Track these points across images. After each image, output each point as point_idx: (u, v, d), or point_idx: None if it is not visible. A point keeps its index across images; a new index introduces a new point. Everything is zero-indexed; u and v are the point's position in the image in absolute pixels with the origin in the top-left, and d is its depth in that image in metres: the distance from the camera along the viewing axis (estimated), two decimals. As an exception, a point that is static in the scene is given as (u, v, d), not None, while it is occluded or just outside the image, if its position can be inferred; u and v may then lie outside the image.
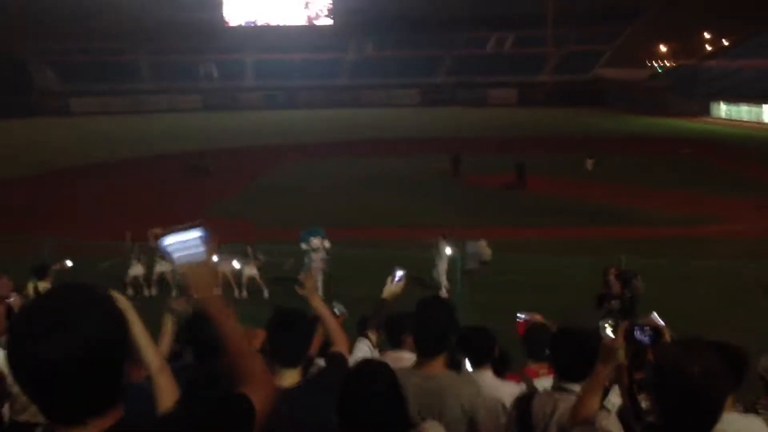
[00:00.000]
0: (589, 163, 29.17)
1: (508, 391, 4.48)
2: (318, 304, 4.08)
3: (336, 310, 4.86)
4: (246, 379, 1.99)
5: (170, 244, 1.96)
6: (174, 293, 13.72)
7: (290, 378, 3.50)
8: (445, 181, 28.10)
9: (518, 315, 5.42)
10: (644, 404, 2.50)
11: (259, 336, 4.25)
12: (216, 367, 3.27)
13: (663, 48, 75.83)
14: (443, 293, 14.39)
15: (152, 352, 3.37)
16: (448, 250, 14.14)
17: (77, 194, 26.68)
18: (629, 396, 2.89)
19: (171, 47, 72.21)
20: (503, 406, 4.37)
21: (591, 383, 3.04)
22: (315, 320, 4.07)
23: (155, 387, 3.20)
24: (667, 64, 73.37)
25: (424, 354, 3.73)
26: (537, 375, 4.73)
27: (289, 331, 3.56)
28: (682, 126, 49.51)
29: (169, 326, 3.83)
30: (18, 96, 62.64)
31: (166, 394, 3.05)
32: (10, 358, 1.57)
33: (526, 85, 69.23)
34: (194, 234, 1.97)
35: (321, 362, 4.43)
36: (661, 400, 2.43)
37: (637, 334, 2.92)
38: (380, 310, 4.58)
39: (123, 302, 3.51)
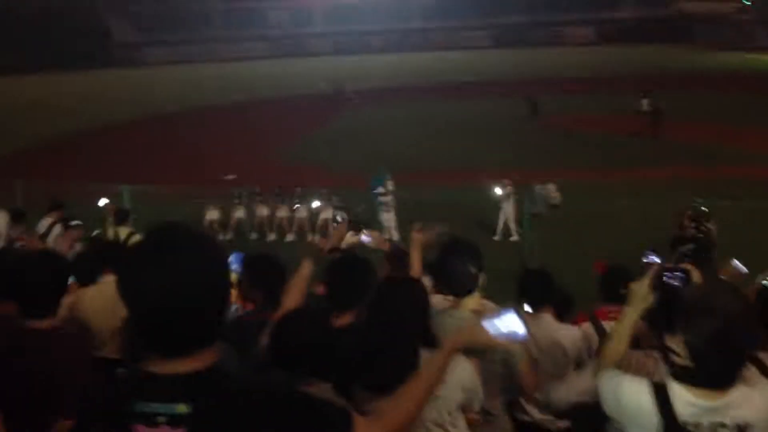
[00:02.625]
0: (645, 103, 27.72)
1: (566, 333, 4.49)
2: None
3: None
4: (385, 416, 2.10)
5: (506, 319, 2.33)
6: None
7: (343, 319, 3.58)
8: (519, 124, 27.52)
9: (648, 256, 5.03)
10: (674, 347, 2.47)
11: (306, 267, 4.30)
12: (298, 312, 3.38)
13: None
14: (514, 237, 14.39)
15: (292, 301, 3.55)
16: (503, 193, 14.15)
17: (152, 143, 27.44)
18: (659, 340, 2.85)
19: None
20: (563, 348, 4.40)
21: (619, 328, 2.99)
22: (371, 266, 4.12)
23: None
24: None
25: (455, 294, 3.85)
26: (607, 317, 4.67)
27: (346, 275, 3.65)
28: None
29: (306, 269, 3.72)
30: (95, 47, 64.42)
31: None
32: (121, 285, 1.65)
33: (604, 22, 66.41)
34: (521, 328, 2.32)
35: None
36: (689, 340, 2.39)
37: (666, 277, 2.87)
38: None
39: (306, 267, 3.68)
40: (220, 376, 1.70)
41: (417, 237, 4.57)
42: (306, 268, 3.69)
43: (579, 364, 4.36)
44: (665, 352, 2.57)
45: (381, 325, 3.06)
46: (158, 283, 1.60)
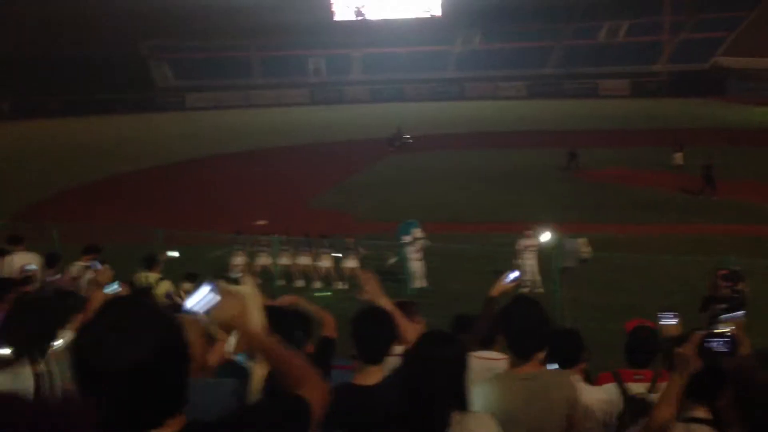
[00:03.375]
0: (678, 157, 27.47)
1: (596, 396, 4.38)
2: (387, 305, 3.99)
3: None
4: (298, 382, 2.06)
5: (192, 306, 2.10)
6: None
7: (374, 375, 3.55)
8: (554, 175, 27.47)
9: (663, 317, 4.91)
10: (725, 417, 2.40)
11: (329, 323, 4.31)
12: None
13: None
14: (539, 289, 14.20)
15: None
16: (544, 239, 13.96)
17: (189, 186, 27.89)
18: (709, 407, 2.78)
19: (280, 43, 74.26)
20: (592, 411, 4.29)
21: (666, 393, 2.97)
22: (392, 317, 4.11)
23: (252, 377, 3.36)
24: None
25: (519, 355, 3.70)
26: (632, 379, 4.55)
27: (374, 327, 3.62)
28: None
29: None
30: (138, 92, 66.43)
31: (259, 380, 3.22)
32: (75, 367, 1.63)
33: (640, 75, 66.45)
34: (204, 290, 2.10)
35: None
36: (742, 412, 2.32)
37: (712, 343, 2.80)
38: (490, 308, 4.56)
39: (249, 287, 3.71)
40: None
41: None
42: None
43: (606, 428, 4.25)
44: (711, 421, 2.50)
45: (415, 384, 2.95)
46: (110, 366, 1.58)
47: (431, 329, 3.61)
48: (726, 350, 2.77)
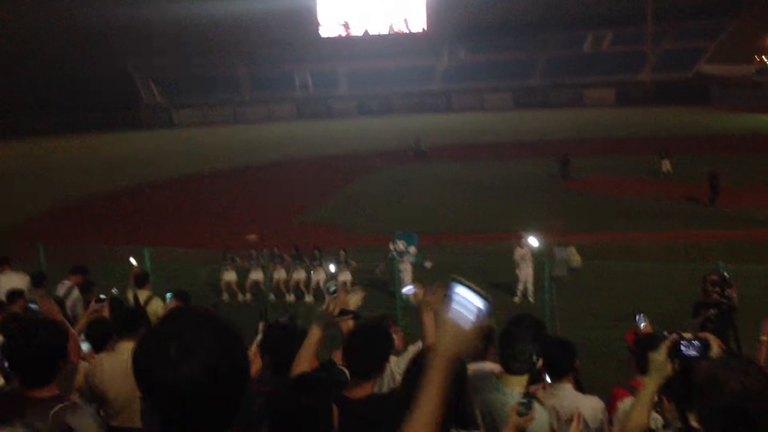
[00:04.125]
0: (666, 164, 27.67)
1: (587, 404, 4.38)
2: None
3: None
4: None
5: (457, 293, 2.02)
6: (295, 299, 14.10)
7: (364, 389, 3.53)
8: (543, 184, 27.58)
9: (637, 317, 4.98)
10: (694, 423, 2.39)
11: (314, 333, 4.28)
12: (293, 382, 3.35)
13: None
14: (530, 299, 14.23)
15: (301, 365, 3.51)
16: (533, 243, 13.99)
17: (177, 203, 27.79)
18: (679, 413, 2.78)
19: (267, 59, 74.42)
20: (584, 420, 4.28)
21: (640, 397, 2.97)
22: (389, 334, 4.07)
23: None
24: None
25: (506, 371, 3.77)
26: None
27: (367, 344, 3.61)
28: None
29: (315, 336, 3.73)
30: (125, 110, 66.34)
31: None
32: (138, 380, 1.63)
33: (625, 85, 67.06)
34: (478, 302, 2.01)
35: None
36: (703, 417, 2.31)
37: (684, 348, 2.81)
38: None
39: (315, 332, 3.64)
40: None
41: (427, 300, 4.21)
42: (314, 335, 3.68)
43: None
44: (685, 426, 2.49)
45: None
46: (176, 370, 1.58)
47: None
48: (698, 354, 2.79)
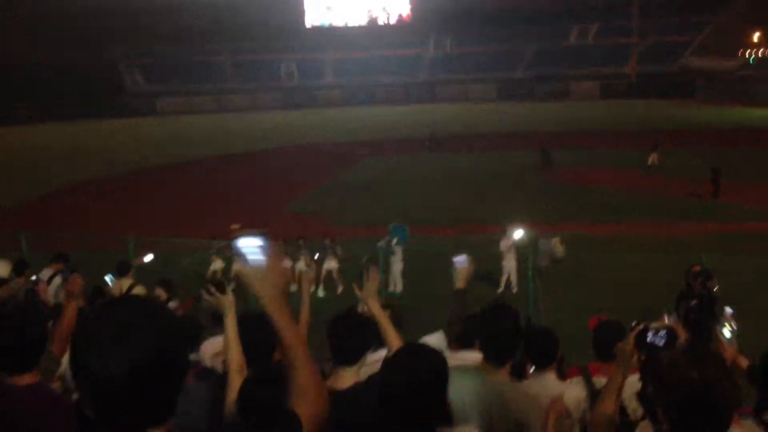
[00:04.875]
0: (653, 157, 27.81)
1: (570, 394, 4.40)
2: (376, 309, 3.96)
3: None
4: (299, 390, 2.00)
5: (241, 248, 2.07)
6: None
7: (347, 378, 3.51)
8: (527, 176, 27.61)
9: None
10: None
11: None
12: (264, 371, 3.34)
13: (756, 36, 72.19)
14: (514, 290, 14.28)
15: (236, 352, 3.47)
16: (517, 236, 13.99)
17: (161, 192, 27.63)
18: (644, 402, 2.82)
19: (252, 47, 73.98)
20: (566, 409, 4.31)
21: (607, 387, 3.02)
22: (372, 322, 4.06)
23: (229, 384, 3.28)
24: (760, 53, 69.92)
25: (488, 360, 3.71)
26: (598, 372, 4.57)
27: (349, 330, 3.58)
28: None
29: (232, 322, 3.66)
30: (109, 97, 65.72)
31: (234, 393, 3.14)
32: (73, 369, 1.59)
33: (610, 77, 67.31)
34: (256, 241, 2.07)
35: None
36: (665, 407, 2.33)
37: (650, 337, 2.84)
38: (461, 300, 4.55)
39: (228, 299, 3.62)
40: None
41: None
42: (230, 321, 3.67)
43: (583, 424, 4.28)
44: (651, 415, 2.53)
45: (397, 399, 2.82)
46: (108, 371, 1.53)
47: (410, 342, 3.55)
48: (663, 343, 2.81)
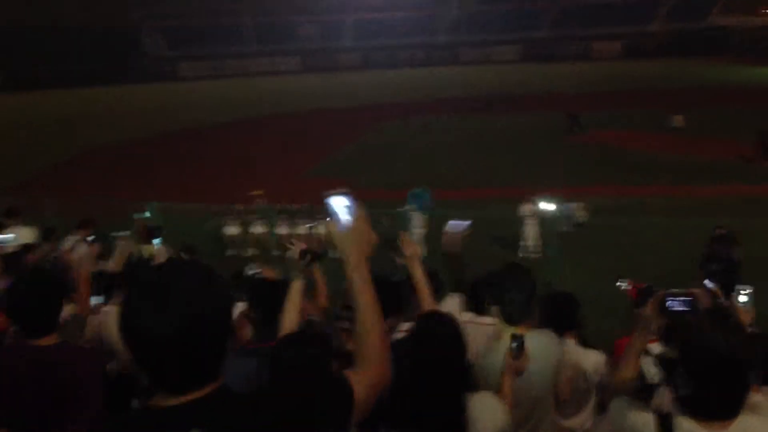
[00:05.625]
0: (679, 119, 27.30)
1: (591, 359, 4.42)
2: (418, 273, 3.83)
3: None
4: (362, 358, 1.98)
5: (332, 206, 2.12)
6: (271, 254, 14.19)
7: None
8: (550, 139, 27.25)
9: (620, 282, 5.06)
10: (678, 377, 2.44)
11: (322, 293, 4.28)
12: (299, 333, 3.37)
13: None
14: (535, 254, 14.25)
15: (289, 321, 3.51)
16: (543, 207, 13.87)
17: (183, 157, 27.73)
18: (665, 366, 2.83)
19: (272, 9, 73.34)
20: (585, 373, 4.34)
21: (627, 352, 3.03)
22: (401, 284, 4.07)
23: None
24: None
25: (509, 321, 3.65)
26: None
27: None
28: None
29: (296, 290, 3.67)
30: (130, 62, 65.72)
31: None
32: (123, 331, 1.64)
33: (635, 36, 65.90)
34: (344, 201, 2.12)
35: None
36: (689, 371, 2.36)
37: (670, 303, 2.83)
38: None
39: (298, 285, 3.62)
40: (228, 397, 1.71)
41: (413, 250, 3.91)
42: (295, 287, 3.64)
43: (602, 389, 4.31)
44: (671, 381, 2.55)
45: (424, 370, 2.86)
46: (159, 324, 1.59)
47: (430, 310, 3.54)
48: (686, 309, 2.81)
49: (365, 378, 1.92)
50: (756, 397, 2.58)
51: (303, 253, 3.72)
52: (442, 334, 2.98)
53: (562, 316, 4.59)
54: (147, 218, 10.93)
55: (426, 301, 3.79)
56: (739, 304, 3.51)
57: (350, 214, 2.09)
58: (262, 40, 72.81)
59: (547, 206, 13.85)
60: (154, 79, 63.47)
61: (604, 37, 66.23)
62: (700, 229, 11.59)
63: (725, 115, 30.12)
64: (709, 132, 26.41)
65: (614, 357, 4.63)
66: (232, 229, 15.35)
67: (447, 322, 3.09)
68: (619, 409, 2.66)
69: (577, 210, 15.07)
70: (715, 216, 12.73)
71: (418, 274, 3.80)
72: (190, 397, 1.66)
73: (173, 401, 1.66)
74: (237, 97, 49.24)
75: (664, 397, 2.82)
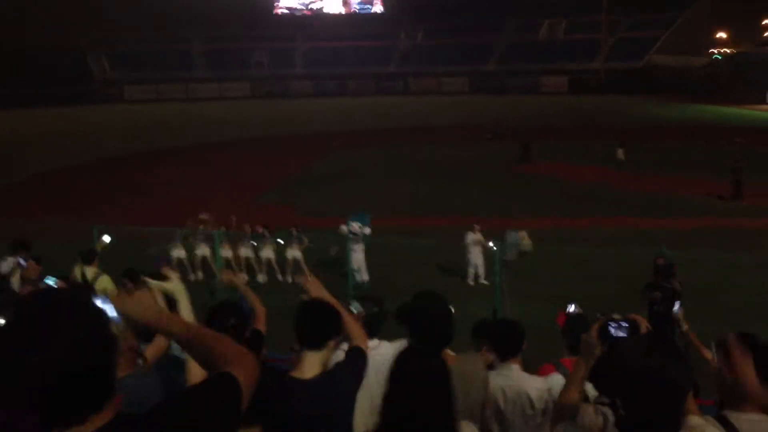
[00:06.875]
0: (620, 153, 28.20)
1: (534, 384, 4.46)
2: (331, 301, 3.82)
3: (353, 309, 4.66)
4: (225, 361, 2.00)
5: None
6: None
7: (312, 363, 3.50)
8: (497, 169, 27.74)
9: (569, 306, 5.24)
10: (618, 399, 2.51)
11: (260, 315, 4.28)
12: None
13: (721, 34, 73.38)
14: (483, 281, 14.41)
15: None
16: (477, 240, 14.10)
17: (128, 181, 27.25)
18: (605, 391, 2.89)
19: (222, 35, 73.16)
20: (529, 398, 4.37)
21: (572, 376, 3.09)
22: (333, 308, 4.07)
23: (187, 367, 3.28)
24: (726, 51, 71.10)
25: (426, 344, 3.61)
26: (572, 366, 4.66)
27: (317, 314, 3.58)
28: (739, 114, 48.01)
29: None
30: (76, 84, 64.50)
31: (193, 376, 3.14)
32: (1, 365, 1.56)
33: (579, 73, 67.93)
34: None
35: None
36: (624, 394, 2.42)
37: (612, 329, 2.91)
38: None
39: (174, 282, 3.60)
40: (125, 422, 1.67)
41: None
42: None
43: (546, 415, 4.33)
44: (613, 404, 2.60)
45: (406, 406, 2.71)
46: (36, 359, 1.53)
47: (410, 344, 3.48)
48: (625, 334, 2.89)
49: (240, 371, 1.95)
50: (695, 419, 2.64)
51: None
52: (433, 372, 2.82)
53: (506, 343, 4.64)
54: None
55: (350, 323, 3.81)
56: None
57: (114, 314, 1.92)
58: (212, 66, 72.45)
59: (493, 244, 14.05)
60: (100, 102, 62.46)
61: (551, 73, 68.04)
62: (640, 259, 11.91)
63: (664, 150, 31.18)
64: (649, 166, 27.24)
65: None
66: (177, 252, 15.11)
67: (436, 358, 2.94)
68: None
69: (522, 239, 15.32)
70: (655, 246, 13.11)
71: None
72: (86, 429, 1.61)
73: None
74: (185, 121, 48.71)
75: (588, 416, 2.88)
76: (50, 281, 5.37)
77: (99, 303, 1.80)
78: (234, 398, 1.88)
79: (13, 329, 1.58)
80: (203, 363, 2.09)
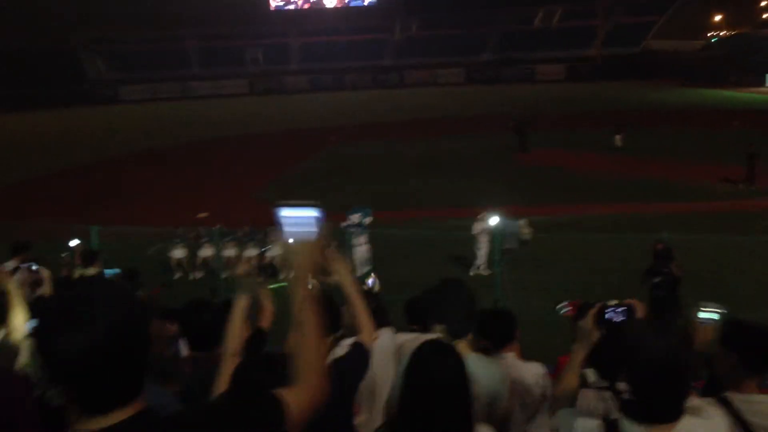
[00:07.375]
0: (618, 139, 28.18)
1: (530, 372, 4.48)
2: (350, 286, 3.58)
3: (369, 283, 4.57)
4: (298, 375, 1.95)
5: (286, 216, 1.96)
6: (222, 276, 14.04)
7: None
8: (496, 159, 27.71)
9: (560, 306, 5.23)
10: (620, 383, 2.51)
11: (267, 313, 4.28)
12: (209, 361, 3.34)
13: (717, 17, 73.18)
14: (485, 272, 14.41)
15: (233, 337, 3.43)
16: (492, 222, 13.99)
17: (125, 181, 27.24)
18: (605, 375, 2.90)
19: (216, 33, 72.99)
20: (527, 386, 4.39)
21: (569, 363, 3.10)
22: (336, 302, 4.06)
23: (221, 369, 3.25)
24: (722, 34, 70.86)
25: (455, 336, 3.59)
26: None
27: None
28: (736, 97, 47.93)
29: (241, 307, 3.48)
30: (70, 85, 64.37)
31: (224, 378, 3.13)
32: (38, 351, 1.61)
33: (575, 60, 67.78)
34: (310, 212, 1.97)
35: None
36: (630, 376, 2.43)
37: (609, 314, 2.92)
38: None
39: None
40: (152, 420, 1.69)
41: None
42: (240, 304, 3.48)
43: (545, 401, 4.36)
44: (614, 388, 2.61)
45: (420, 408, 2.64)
46: (75, 344, 1.57)
47: (428, 339, 3.38)
48: (623, 320, 2.90)
49: (300, 394, 1.89)
50: (694, 401, 2.67)
51: (254, 272, 3.70)
52: (451, 365, 2.73)
53: (499, 331, 4.66)
54: (82, 244, 10.67)
55: (362, 314, 3.64)
56: (699, 320, 3.58)
57: (312, 224, 1.98)
58: (207, 63, 72.31)
59: (494, 221, 14.01)
60: (96, 102, 62.33)
61: (547, 61, 67.88)
62: (640, 245, 11.92)
63: (662, 135, 31.16)
64: (647, 151, 27.23)
65: (555, 373, 4.72)
66: (178, 253, 15.13)
67: (452, 350, 2.83)
68: (565, 418, 2.70)
69: (522, 227, 15.33)
70: (655, 232, 13.12)
71: (350, 287, 3.57)
72: (113, 419, 1.64)
73: (95, 425, 1.63)
74: (181, 120, 48.65)
75: (588, 400, 2.89)
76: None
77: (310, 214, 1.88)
78: (274, 427, 1.81)
79: (53, 314, 1.62)
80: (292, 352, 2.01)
